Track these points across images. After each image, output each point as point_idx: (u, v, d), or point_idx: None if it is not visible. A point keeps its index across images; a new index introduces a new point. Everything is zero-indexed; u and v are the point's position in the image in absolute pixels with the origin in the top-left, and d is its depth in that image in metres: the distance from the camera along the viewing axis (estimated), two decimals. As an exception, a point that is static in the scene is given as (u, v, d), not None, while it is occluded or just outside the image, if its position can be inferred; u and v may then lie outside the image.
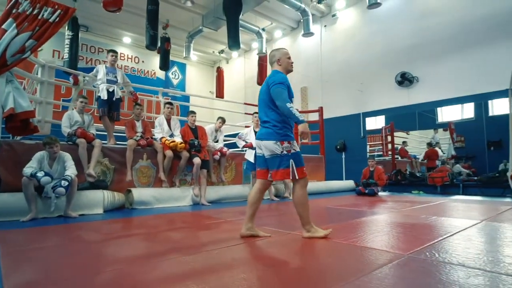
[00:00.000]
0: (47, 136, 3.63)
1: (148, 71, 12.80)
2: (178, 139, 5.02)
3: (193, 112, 5.39)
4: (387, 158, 9.85)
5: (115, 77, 4.96)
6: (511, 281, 1.48)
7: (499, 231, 2.74)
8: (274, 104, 2.38)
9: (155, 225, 3.19)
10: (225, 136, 7.46)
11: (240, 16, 8.15)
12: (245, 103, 8.90)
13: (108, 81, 4.86)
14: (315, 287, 1.45)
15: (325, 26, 10.31)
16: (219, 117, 5.75)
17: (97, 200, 3.89)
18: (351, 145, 9.35)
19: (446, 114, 10.95)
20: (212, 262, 1.83)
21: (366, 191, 6.43)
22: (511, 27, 6.38)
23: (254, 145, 5.55)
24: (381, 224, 3.10)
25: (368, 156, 8.85)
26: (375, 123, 10.87)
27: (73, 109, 4.61)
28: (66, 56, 7.68)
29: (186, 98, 12.25)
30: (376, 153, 10.67)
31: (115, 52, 5.07)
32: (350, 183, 8.21)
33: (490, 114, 9.58)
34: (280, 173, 2.38)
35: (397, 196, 6.56)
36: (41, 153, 3.44)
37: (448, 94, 7.52)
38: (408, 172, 8.62)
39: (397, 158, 9.91)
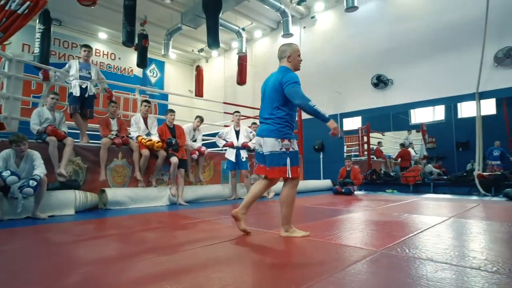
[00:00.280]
0: (14, 133, 3.45)
1: (125, 68, 12.47)
2: (155, 138, 4.92)
3: (172, 111, 5.30)
4: (363, 158, 10.11)
5: (89, 73, 4.79)
6: (474, 274, 1.56)
7: (465, 227, 2.88)
8: (283, 102, 2.36)
9: (129, 226, 3.11)
10: (204, 135, 7.40)
11: (220, 15, 8.10)
12: (225, 103, 8.85)
13: (81, 78, 4.68)
14: (290, 285, 1.46)
15: (304, 27, 10.44)
16: (197, 116, 5.69)
17: (68, 200, 3.74)
18: (329, 145, 9.52)
19: (418, 116, 11.38)
20: (188, 262, 1.80)
21: (343, 190, 6.56)
22: (478, 34, 6.71)
23: (235, 144, 5.58)
24: (356, 222, 3.17)
25: (345, 156, 9.04)
26: (352, 123, 11.13)
27: (43, 106, 4.41)
28: (37, 50, 7.34)
29: (165, 97, 12.03)
30: (353, 153, 10.92)
31: (88, 47, 4.88)
32: (327, 183, 8.35)
33: (459, 116, 10.05)
34: (277, 170, 2.38)
35: (372, 195, 6.75)
36: (7, 151, 3.27)
37: (420, 97, 7.81)
38: (382, 172, 8.88)
39: (373, 158, 10.20)
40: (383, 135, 11.64)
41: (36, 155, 3.41)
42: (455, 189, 6.98)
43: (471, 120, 7.14)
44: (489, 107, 9.42)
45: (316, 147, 9.61)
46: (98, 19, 10.40)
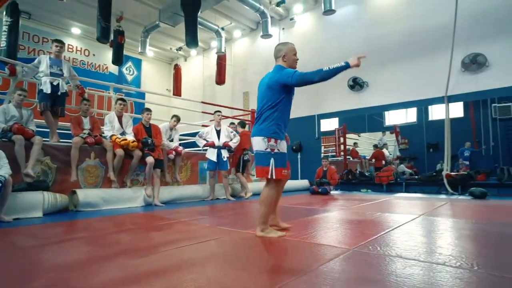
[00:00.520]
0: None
1: (99, 65, 12.07)
2: (130, 137, 4.79)
3: (148, 110, 5.18)
4: (339, 158, 10.33)
5: (60, 70, 4.60)
6: (440, 269, 1.63)
7: (433, 225, 3.00)
8: (274, 101, 2.36)
9: (101, 228, 3.01)
10: (182, 135, 7.30)
11: (199, 14, 8.02)
12: (203, 102, 8.76)
13: (52, 74, 4.49)
14: (265, 284, 1.47)
15: (283, 29, 10.53)
16: (174, 115, 5.60)
17: (36, 202, 3.57)
18: (307, 146, 9.65)
19: (392, 118, 11.77)
20: (161, 264, 1.77)
21: (320, 190, 6.68)
22: (447, 40, 7.02)
23: (216, 144, 5.54)
24: (331, 221, 3.23)
25: (322, 156, 9.20)
26: (329, 125, 11.33)
27: (9, 102, 4.18)
28: (3, 44, 6.98)
29: (141, 95, 11.76)
30: (330, 154, 11.14)
31: (60, 42, 4.69)
32: (305, 183, 8.46)
33: (430, 118, 10.50)
34: (260, 170, 2.38)
35: (348, 194, 6.90)
36: (-32, 150, 3.08)
37: (394, 99, 8.07)
38: (358, 172, 9.11)
39: (349, 158, 10.43)
40: (359, 136, 11.96)
41: (1, 154, 3.23)
42: (425, 188, 7.27)
43: (441, 122, 7.46)
44: (457, 110, 9.90)
45: (294, 147, 9.72)
46: (71, 13, 10.00)
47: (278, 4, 9.67)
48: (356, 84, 8.57)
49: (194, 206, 4.73)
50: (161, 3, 9.53)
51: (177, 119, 5.58)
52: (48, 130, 4.66)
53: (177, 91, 11.73)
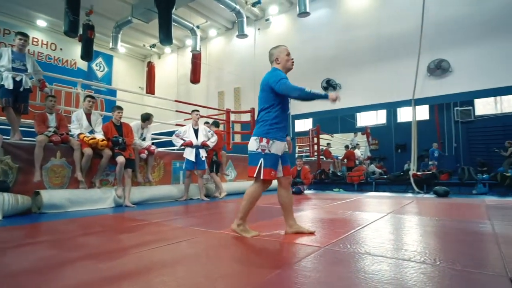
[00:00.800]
0: None
1: (67, 61, 11.51)
2: (99, 135, 4.61)
3: (120, 108, 5.01)
4: (313, 158, 10.53)
5: (24, 65, 4.33)
6: (405, 265, 1.70)
7: (400, 222, 3.13)
8: (270, 103, 2.38)
9: (67, 230, 2.87)
10: (156, 134, 7.12)
11: (174, 11, 7.86)
12: (176, 101, 8.60)
13: (14, 69, 4.21)
14: (236, 285, 1.46)
15: (258, 29, 10.57)
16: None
17: (-5, 204, 3.35)
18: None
19: (364, 119, 12.18)
20: (130, 267, 1.71)
21: (293, 190, 6.76)
22: (414, 46, 7.36)
23: (194, 143, 5.45)
24: (304, 220, 3.28)
25: (296, 156, 9.32)
26: (304, 125, 11.51)
27: (-35, 98, 3.90)
28: (-42, 34, 6.48)
29: (112, 93, 11.35)
30: (304, 154, 11.32)
31: (25, 35, 4.42)
32: (279, 182, 8.53)
33: (398, 120, 10.97)
34: (250, 169, 2.39)
35: (321, 193, 7.05)
36: None
37: (365, 101, 8.32)
38: (331, 172, 9.33)
39: (322, 158, 10.66)
40: (332, 136, 12.26)
41: (-46, 153, 3.00)
42: (393, 187, 7.57)
43: (408, 124, 7.81)
44: (423, 113, 10.40)
45: (269, 147, 9.78)
46: (36, 4, 9.47)
47: (254, 5, 9.69)
48: (330, 86, 8.76)
49: (167, 206, 4.63)
50: (134, -2, 9.25)
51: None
52: (9, 127, 4.39)
53: (150, 89, 11.44)
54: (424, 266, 1.67)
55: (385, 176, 8.44)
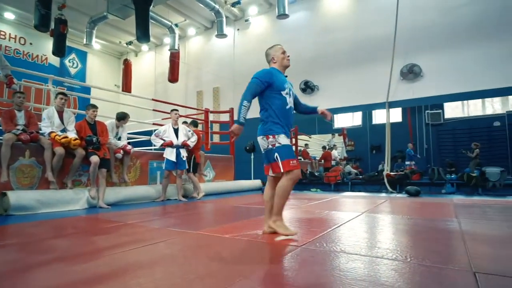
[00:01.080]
0: None
1: (37, 56, 11.02)
2: (71, 134, 4.44)
3: (94, 106, 4.84)
4: (291, 159, 10.62)
5: (-11, 58, 4.12)
6: (378, 262, 1.76)
7: (374, 221, 3.24)
8: (265, 101, 2.44)
9: (37, 233, 2.75)
10: (132, 133, 6.95)
11: (151, 8, 7.71)
12: (154, 100, 8.43)
13: (-22, 63, 4.00)
14: (213, 285, 1.46)
15: (238, 29, 10.57)
16: (120, 112, 5.30)
17: (-44, 206, 3.15)
18: (260, 146, 9.77)
19: (341, 121, 12.45)
20: (105, 269, 1.67)
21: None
22: (388, 50, 7.62)
23: (174, 143, 5.36)
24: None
25: (275, 157, 9.38)
26: (282, 126, 11.56)
27: None
28: None
29: (87, 90, 10.97)
30: (282, 154, 11.38)
31: (-11, 27, 4.19)
32: (257, 183, 8.57)
33: (373, 122, 11.31)
34: (271, 167, 2.41)
35: (299, 194, 7.14)
36: None
37: (342, 103, 8.53)
38: (308, 172, 9.46)
39: (300, 159, 10.80)
40: (310, 137, 12.44)
41: None
42: (368, 187, 7.79)
43: (383, 126, 8.06)
44: (396, 115, 10.78)
45: (247, 147, 9.79)
46: (4, -4, 9.01)
47: (233, 5, 9.69)
48: (308, 88, 8.90)
49: (144, 207, 4.53)
50: (110, -7, 8.98)
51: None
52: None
53: (126, 87, 11.15)
54: (396, 263, 1.73)
55: (361, 177, 8.66)
